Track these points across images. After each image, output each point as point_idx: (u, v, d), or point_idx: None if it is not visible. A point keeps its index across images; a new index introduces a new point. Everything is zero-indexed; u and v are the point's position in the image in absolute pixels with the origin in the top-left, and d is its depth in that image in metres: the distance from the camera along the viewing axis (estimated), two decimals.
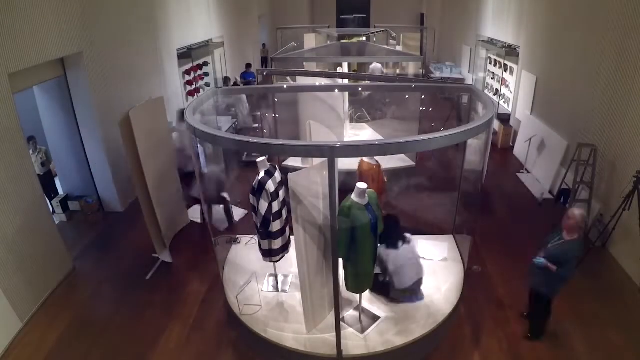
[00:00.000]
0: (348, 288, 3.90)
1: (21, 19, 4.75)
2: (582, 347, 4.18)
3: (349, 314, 4.19)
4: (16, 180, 4.68)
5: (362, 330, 4.00)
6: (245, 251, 5.23)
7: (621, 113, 5.49)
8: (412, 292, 4.23)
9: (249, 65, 13.19)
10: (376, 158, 5.09)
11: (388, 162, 5.64)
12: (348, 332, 3.98)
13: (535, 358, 4.08)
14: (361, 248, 3.60)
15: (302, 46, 11.45)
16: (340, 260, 3.71)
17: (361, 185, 3.56)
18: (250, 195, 4.04)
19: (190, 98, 10.15)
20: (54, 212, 6.48)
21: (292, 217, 3.57)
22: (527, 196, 7.25)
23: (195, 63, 10.68)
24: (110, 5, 6.64)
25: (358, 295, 4.07)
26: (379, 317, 4.14)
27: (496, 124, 9.70)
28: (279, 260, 4.40)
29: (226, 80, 11.37)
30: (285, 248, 4.38)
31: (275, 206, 4.02)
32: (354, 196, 3.58)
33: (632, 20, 5.26)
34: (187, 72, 10.37)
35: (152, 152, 5.29)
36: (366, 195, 3.61)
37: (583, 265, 5.18)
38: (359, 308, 4.16)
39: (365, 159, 4.92)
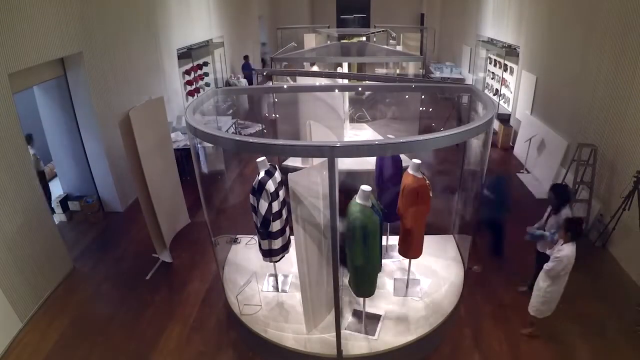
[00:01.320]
0: (358, 294, 3.86)
1: (21, 19, 4.74)
2: (582, 347, 4.18)
3: (350, 320, 4.13)
4: (16, 180, 4.68)
5: (373, 333, 3.97)
6: (245, 251, 5.23)
7: (621, 113, 5.49)
8: None
9: (246, 57, 13.22)
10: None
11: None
12: (348, 332, 3.98)
13: (535, 358, 4.08)
14: (372, 250, 3.55)
15: (302, 46, 11.45)
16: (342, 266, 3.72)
17: (365, 187, 3.49)
18: (250, 195, 4.04)
19: (190, 98, 10.15)
20: (53, 212, 6.48)
21: (292, 217, 3.57)
22: (527, 196, 7.25)
23: (195, 63, 10.68)
24: (110, 6, 6.64)
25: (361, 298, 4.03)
26: (380, 316, 4.13)
27: (496, 124, 9.69)
28: (279, 260, 4.40)
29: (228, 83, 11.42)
30: (285, 248, 4.38)
31: (275, 206, 4.02)
32: (359, 200, 3.50)
33: (632, 20, 5.26)
34: (187, 72, 10.37)
35: (152, 152, 5.29)
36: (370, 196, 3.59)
37: (583, 265, 5.19)
38: (361, 312, 4.12)
39: (411, 172, 3.92)
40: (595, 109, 6.13)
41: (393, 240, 5.00)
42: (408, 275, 4.51)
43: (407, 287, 4.50)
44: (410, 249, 4.21)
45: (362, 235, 3.46)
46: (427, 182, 3.94)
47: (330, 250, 3.43)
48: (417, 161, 3.93)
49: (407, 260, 4.39)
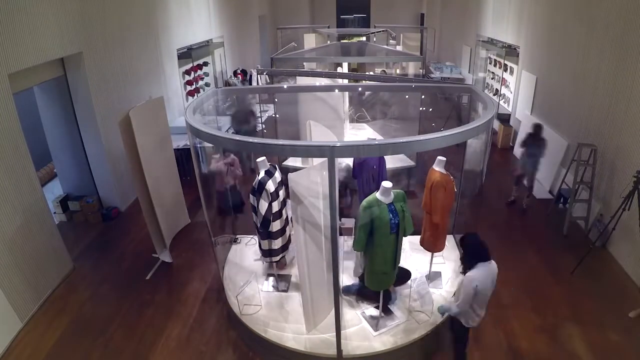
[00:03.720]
0: (366, 284, 3.93)
1: (21, 19, 4.74)
2: (582, 347, 4.18)
3: (370, 309, 4.20)
4: (16, 180, 4.68)
5: (376, 329, 4.00)
6: (245, 251, 5.23)
7: (621, 113, 5.49)
8: None
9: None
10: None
11: (388, 162, 5.64)
12: (349, 332, 3.99)
13: (535, 358, 4.08)
14: (377, 246, 3.60)
15: (302, 46, 11.45)
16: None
17: (386, 184, 3.56)
18: (250, 195, 4.04)
19: (190, 98, 10.15)
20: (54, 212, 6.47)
21: (292, 217, 3.57)
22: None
23: (195, 63, 10.68)
24: (110, 6, 6.64)
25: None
26: (397, 318, 4.12)
27: (496, 124, 9.69)
28: (279, 260, 4.40)
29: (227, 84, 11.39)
30: (285, 248, 4.38)
31: (275, 206, 4.03)
32: (378, 194, 3.58)
33: (632, 20, 5.26)
34: (187, 72, 10.37)
35: (152, 152, 5.29)
36: (391, 194, 3.59)
37: (583, 265, 5.19)
38: (388, 308, 4.18)
39: (436, 168, 4.16)
40: (595, 109, 6.13)
41: None
42: (430, 267, 4.60)
43: (429, 279, 4.54)
44: (436, 243, 4.35)
45: (364, 225, 3.53)
46: (452, 178, 4.13)
47: (330, 250, 3.43)
48: (443, 158, 4.13)
49: None
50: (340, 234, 4.78)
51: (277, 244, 4.24)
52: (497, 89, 11.27)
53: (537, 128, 6.52)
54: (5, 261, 4.46)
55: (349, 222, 5.08)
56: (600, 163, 5.89)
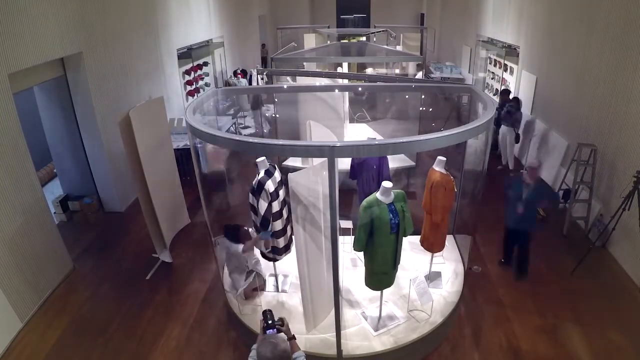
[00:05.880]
0: (366, 284, 3.95)
1: (21, 19, 4.74)
2: (582, 347, 4.18)
3: (370, 309, 4.21)
4: (16, 180, 4.68)
5: (376, 328, 4.01)
6: None
7: (621, 113, 5.49)
8: None
9: None
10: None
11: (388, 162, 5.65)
12: (349, 332, 3.98)
13: (535, 358, 4.08)
14: (377, 246, 3.61)
15: (302, 46, 11.45)
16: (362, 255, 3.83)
17: (387, 184, 3.57)
18: (250, 195, 4.04)
19: (190, 98, 10.15)
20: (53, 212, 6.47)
21: (292, 217, 3.57)
22: None
23: (195, 63, 10.68)
24: (110, 5, 6.64)
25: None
26: (397, 318, 4.13)
27: None
28: (279, 260, 4.40)
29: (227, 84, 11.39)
30: (287, 248, 4.38)
31: (275, 206, 4.02)
32: (378, 194, 3.60)
33: (632, 20, 5.25)
34: (187, 72, 10.37)
35: (152, 152, 5.29)
36: (392, 194, 3.60)
37: (583, 265, 5.19)
38: (380, 306, 4.17)
39: (436, 168, 4.19)
40: (596, 108, 6.13)
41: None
42: (430, 267, 4.61)
43: (429, 279, 4.54)
44: (436, 243, 4.37)
45: (365, 225, 3.54)
46: (452, 178, 4.15)
47: (330, 250, 3.43)
48: (443, 158, 4.15)
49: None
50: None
51: (279, 243, 4.24)
52: (497, 89, 11.26)
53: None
54: (5, 261, 4.45)
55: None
56: (600, 163, 5.89)
